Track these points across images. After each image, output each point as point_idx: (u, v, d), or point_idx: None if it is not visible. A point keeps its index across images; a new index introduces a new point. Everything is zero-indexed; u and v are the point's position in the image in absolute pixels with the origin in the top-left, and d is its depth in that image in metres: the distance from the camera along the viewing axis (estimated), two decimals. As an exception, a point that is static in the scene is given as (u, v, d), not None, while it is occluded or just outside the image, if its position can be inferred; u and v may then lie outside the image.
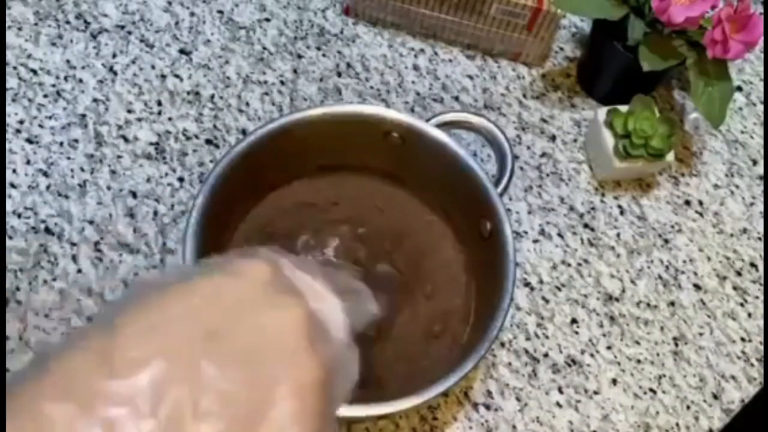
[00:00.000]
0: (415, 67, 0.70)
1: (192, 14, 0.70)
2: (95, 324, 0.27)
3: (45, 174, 0.60)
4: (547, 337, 0.60)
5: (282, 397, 0.26)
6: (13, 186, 0.59)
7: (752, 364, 0.61)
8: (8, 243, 0.57)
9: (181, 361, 0.25)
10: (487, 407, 0.57)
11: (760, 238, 0.67)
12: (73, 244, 0.58)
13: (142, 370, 0.24)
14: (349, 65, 0.69)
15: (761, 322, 0.63)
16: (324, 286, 0.32)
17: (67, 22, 0.67)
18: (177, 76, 0.66)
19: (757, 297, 0.64)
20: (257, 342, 0.27)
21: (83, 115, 0.63)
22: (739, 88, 0.75)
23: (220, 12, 0.70)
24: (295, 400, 0.27)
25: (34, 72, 0.64)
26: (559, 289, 0.62)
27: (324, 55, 0.70)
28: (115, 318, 0.26)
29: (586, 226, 0.65)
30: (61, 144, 0.62)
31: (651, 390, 0.59)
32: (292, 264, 0.32)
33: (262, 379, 0.26)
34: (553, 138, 0.69)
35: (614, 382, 0.59)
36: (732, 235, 0.67)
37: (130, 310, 0.26)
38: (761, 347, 0.62)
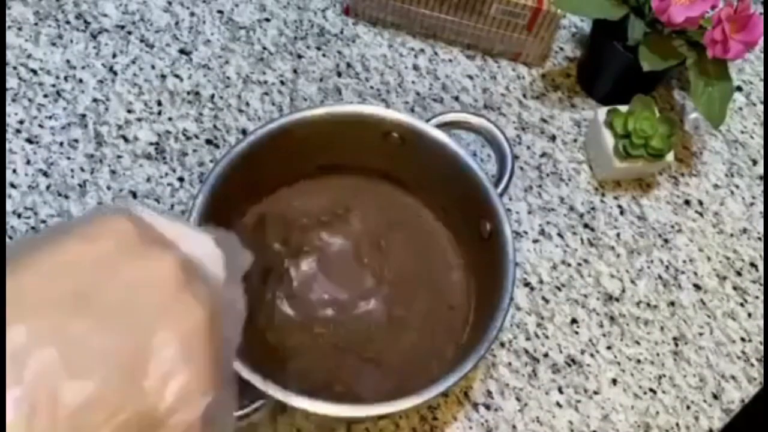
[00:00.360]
0: (415, 67, 0.70)
1: (192, 14, 0.70)
2: None
3: (45, 174, 0.60)
4: (547, 337, 0.60)
5: (163, 344, 0.26)
6: (13, 186, 0.59)
7: (752, 364, 0.61)
8: (8, 243, 0.57)
9: (46, 323, 0.25)
10: (487, 407, 0.57)
11: (760, 238, 0.67)
12: (73, 244, 0.58)
13: None
14: (349, 65, 0.69)
15: (761, 322, 0.63)
16: (191, 227, 0.32)
17: (67, 22, 0.67)
18: (177, 76, 0.67)
19: (757, 297, 0.64)
20: (129, 296, 0.27)
21: (83, 115, 0.63)
22: (739, 88, 0.75)
23: (220, 12, 0.70)
24: (178, 344, 0.26)
25: (34, 72, 0.64)
26: (559, 289, 0.62)
27: (324, 55, 0.70)
28: None
29: (586, 226, 0.65)
30: (61, 144, 0.62)
31: (651, 390, 0.59)
32: (154, 212, 0.31)
33: (138, 330, 0.26)
34: (553, 138, 0.69)
35: (614, 382, 0.59)
36: (732, 235, 0.67)
37: None
38: (761, 347, 0.62)
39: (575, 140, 0.69)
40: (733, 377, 0.60)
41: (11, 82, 0.63)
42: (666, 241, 0.65)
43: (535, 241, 0.64)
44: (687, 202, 0.68)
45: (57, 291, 0.26)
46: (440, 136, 0.54)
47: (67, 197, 0.60)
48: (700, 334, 0.62)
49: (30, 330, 0.24)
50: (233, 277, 0.32)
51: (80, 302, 0.26)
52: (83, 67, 0.65)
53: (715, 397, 0.59)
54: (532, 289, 0.62)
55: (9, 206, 0.59)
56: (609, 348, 0.60)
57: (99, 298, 0.26)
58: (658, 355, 0.60)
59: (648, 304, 0.62)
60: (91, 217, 0.29)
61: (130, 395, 0.25)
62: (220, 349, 0.29)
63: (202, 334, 0.27)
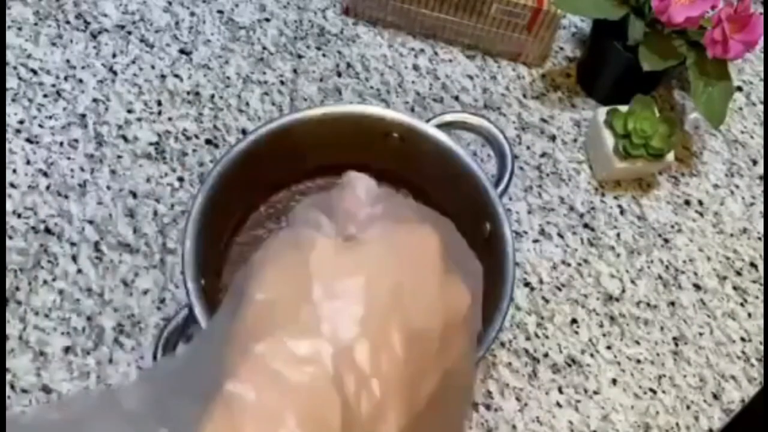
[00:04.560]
0: (415, 67, 0.70)
1: (192, 14, 0.70)
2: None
3: (45, 174, 0.60)
4: (547, 337, 0.60)
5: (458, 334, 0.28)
6: (13, 186, 0.59)
7: (752, 364, 0.61)
8: (8, 243, 0.57)
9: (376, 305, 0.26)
10: (487, 407, 0.57)
11: (760, 238, 0.67)
12: (73, 244, 0.58)
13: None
14: (349, 65, 0.69)
15: (761, 322, 0.63)
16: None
17: (67, 22, 0.67)
18: (177, 76, 0.66)
19: (757, 297, 0.64)
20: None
21: (83, 115, 0.63)
22: (739, 88, 0.75)
23: (220, 12, 0.70)
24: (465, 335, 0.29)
25: (34, 72, 0.64)
26: (559, 289, 0.62)
27: (324, 55, 0.70)
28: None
29: (586, 226, 0.65)
30: (61, 144, 0.62)
31: (651, 390, 0.59)
32: (447, 224, 0.32)
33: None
34: (553, 138, 0.69)
35: (614, 382, 0.59)
36: (732, 235, 0.67)
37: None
38: (761, 347, 0.62)
39: (575, 140, 0.69)
40: (733, 377, 0.60)
41: (11, 82, 0.63)
42: (666, 241, 0.65)
43: (535, 241, 0.64)
44: (687, 202, 0.68)
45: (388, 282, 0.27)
46: (440, 136, 0.54)
47: (67, 197, 0.60)
48: (700, 334, 0.62)
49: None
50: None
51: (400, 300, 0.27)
52: (83, 67, 0.65)
53: (715, 397, 0.59)
54: (532, 289, 0.62)
55: (9, 206, 0.59)
56: (609, 348, 0.60)
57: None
58: (658, 355, 0.60)
59: (648, 304, 0.62)
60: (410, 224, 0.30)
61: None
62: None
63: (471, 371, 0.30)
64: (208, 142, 0.64)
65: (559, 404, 0.57)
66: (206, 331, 0.28)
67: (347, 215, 0.30)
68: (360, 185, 0.32)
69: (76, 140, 0.62)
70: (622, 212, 0.66)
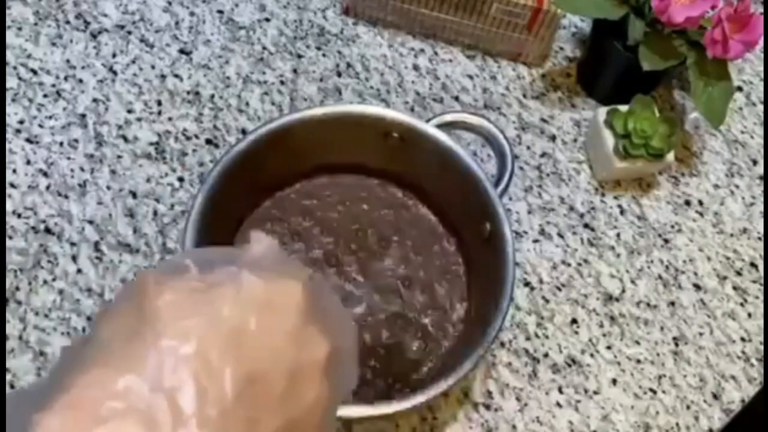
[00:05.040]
0: (415, 67, 0.70)
1: (192, 14, 0.70)
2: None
3: (45, 174, 0.60)
4: (547, 337, 0.60)
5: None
6: (13, 186, 0.59)
7: (752, 364, 0.61)
8: (8, 243, 0.57)
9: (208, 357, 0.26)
10: (487, 407, 0.57)
11: (760, 238, 0.67)
12: (73, 244, 0.58)
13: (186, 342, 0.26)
14: (349, 65, 0.69)
15: (761, 322, 0.63)
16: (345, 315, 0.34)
17: (67, 22, 0.67)
18: (177, 76, 0.66)
19: (757, 297, 0.64)
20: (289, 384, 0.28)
21: (83, 115, 0.63)
22: (739, 88, 0.75)
23: (220, 12, 0.70)
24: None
25: (34, 72, 0.64)
26: (559, 289, 0.62)
27: (324, 55, 0.70)
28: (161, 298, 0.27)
29: (586, 226, 0.65)
30: (61, 144, 0.62)
31: (651, 390, 0.59)
32: (322, 285, 0.32)
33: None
34: (553, 138, 0.69)
35: (614, 382, 0.59)
36: (732, 235, 0.67)
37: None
38: (761, 347, 0.62)
39: (575, 140, 0.69)
40: (733, 377, 0.60)
41: (11, 82, 0.63)
42: (666, 241, 0.65)
43: (535, 241, 0.64)
44: (687, 202, 0.68)
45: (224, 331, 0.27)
46: (440, 136, 0.54)
47: (67, 197, 0.60)
48: (700, 334, 0.62)
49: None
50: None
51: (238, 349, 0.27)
52: (83, 67, 0.65)
53: (715, 397, 0.59)
54: (532, 289, 0.62)
55: (9, 206, 0.59)
56: (609, 348, 0.60)
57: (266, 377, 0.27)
58: (658, 355, 0.60)
59: (648, 304, 0.62)
60: (274, 270, 0.30)
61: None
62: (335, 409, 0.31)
63: (329, 417, 0.30)
64: (208, 142, 0.64)
65: (559, 404, 0.57)
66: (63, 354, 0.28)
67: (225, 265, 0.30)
68: (261, 243, 0.32)
69: (76, 140, 0.62)
70: (622, 212, 0.66)
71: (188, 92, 0.66)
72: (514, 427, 0.56)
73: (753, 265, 0.66)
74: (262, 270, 0.29)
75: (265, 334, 0.27)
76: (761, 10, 0.76)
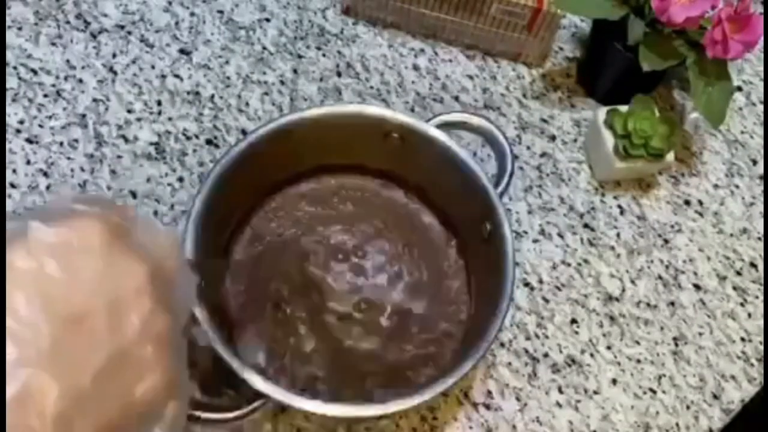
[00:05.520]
0: (415, 67, 0.70)
1: (192, 14, 0.70)
2: None
3: (45, 174, 0.60)
4: (547, 337, 0.60)
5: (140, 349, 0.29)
6: (13, 186, 0.59)
7: (752, 364, 0.61)
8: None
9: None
10: (487, 407, 0.57)
11: (760, 238, 0.67)
12: (73, 244, 0.58)
13: None
14: (349, 65, 0.69)
15: (761, 322, 0.63)
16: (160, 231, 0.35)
17: (67, 22, 0.67)
18: (177, 76, 0.67)
19: (757, 297, 0.64)
20: (106, 305, 0.29)
21: (83, 115, 0.63)
22: (739, 88, 0.75)
23: (220, 12, 0.70)
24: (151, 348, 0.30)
25: (34, 72, 0.64)
26: (559, 289, 0.62)
27: (324, 55, 0.70)
28: None
29: (586, 226, 0.65)
30: (61, 144, 0.62)
31: (651, 390, 0.59)
32: (129, 212, 0.33)
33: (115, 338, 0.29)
34: (553, 138, 0.69)
35: (614, 382, 0.59)
36: (732, 235, 0.67)
37: None
38: (761, 347, 0.62)
39: (575, 140, 0.69)
40: (733, 377, 0.60)
41: (11, 82, 0.63)
42: (666, 241, 0.65)
43: (535, 241, 0.64)
44: (687, 202, 0.68)
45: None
46: (440, 136, 0.54)
47: (67, 197, 0.60)
48: (700, 334, 0.62)
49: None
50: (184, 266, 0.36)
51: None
52: (83, 67, 0.65)
53: (715, 397, 0.59)
54: (532, 289, 0.62)
55: (9, 206, 0.59)
56: (609, 348, 0.60)
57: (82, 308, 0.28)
58: (658, 355, 0.60)
59: (648, 304, 0.62)
60: (69, 213, 0.31)
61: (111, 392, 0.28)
62: (182, 346, 0.32)
63: (169, 337, 0.31)
64: (208, 142, 0.64)
65: (559, 404, 0.57)
66: None
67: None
68: (56, 194, 0.33)
69: (76, 140, 0.62)
70: (622, 212, 0.66)
71: (188, 92, 0.66)
72: (514, 427, 0.56)
73: (753, 265, 0.66)
74: (53, 217, 0.30)
75: (72, 275, 0.28)
76: (761, 10, 0.76)
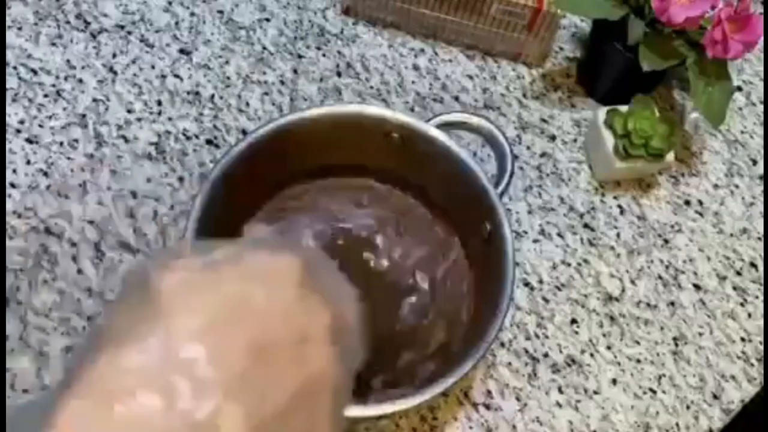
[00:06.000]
0: (415, 67, 0.70)
1: (192, 14, 0.70)
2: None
3: (45, 174, 0.60)
4: (547, 337, 0.60)
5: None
6: (13, 186, 0.59)
7: (752, 364, 0.61)
8: (8, 243, 0.57)
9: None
10: (487, 407, 0.57)
11: (760, 238, 0.67)
12: (73, 244, 0.58)
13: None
14: (349, 65, 0.69)
15: (761, 322, 0.63)
16: (340, 278, 0.34)
17: (67, 22, 0.67)
18: (177, 76, 0.67)
19: (757, 297, 0.64)
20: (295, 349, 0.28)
21: (83, 115, 0.63)
22: (739, 88, 0.75)
23: (220, 12, 0.70)
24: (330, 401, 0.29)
25: (34, 72, 0.64)
26: (559, 289, 0.62)
27: (324, 55, 0.70)
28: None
29: (586, 226, 0.65)
30: (61, 144, 0.62)
31: (651, 390, 0.59)
32: (321, 258, 0.33)
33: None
34: (553, 138, 0.69)
35: (614, 382, 0.59)
36: (732, 235, 0.67)
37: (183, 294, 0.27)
38: (761, 347, 0.62)
39: (575, 140, 0.69)
40: (733, 377, 0.60)
41: (11, 82, 0.63)
42: (666, 241, 0.65)
43: (535, 241, 0.64)
44: (687, 202, 0.68)
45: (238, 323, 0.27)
46: (440, 136, 0.54)
47: (67, 197, 0.60)
48: (700, 334, 0.62)
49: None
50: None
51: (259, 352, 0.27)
52: (83, 67, 0.65)
53: (715, 397, 0.59)
54: (532, 289, 0.62)
55: (9, 206, 0.59)
56: (609, 348, 0.60)
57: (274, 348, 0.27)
58: (658, 355, 0.60)
59: (648, 304, 0.62)
60: (267, 250, 0.30)
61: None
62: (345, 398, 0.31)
63: (340, 388, 0.30)
64: (208, 142, 0.64)
65: (559, 404, 0.57)
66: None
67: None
68: (260, 230, 0.33)
69: (76, 140, 0.62)
70: (622, 212, 0.66)
71: (188, 92, 0.66)
72: (514, 427, 0.56)
73: (753, 265, 0.66)
74: (260, 248, 0.30)
75: (270, 304, 0.28)
76: (761, 10, 0.76)
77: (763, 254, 0.66)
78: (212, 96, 0.66)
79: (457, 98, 0.69)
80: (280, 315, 0.28)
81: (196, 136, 0.64)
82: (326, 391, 0.29)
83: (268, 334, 0.27)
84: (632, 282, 0.63)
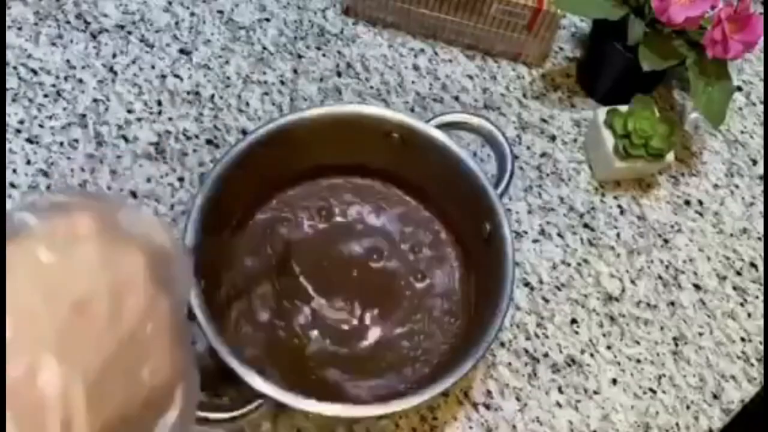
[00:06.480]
0: (415, 67, 0.70)
1: (192, 14, 0.70)
2: None
3: (45, 174, 0.60)
4: (547, 337, 0.60)
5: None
6: (13, 186, 0.59)
7: (752, 364, 0.61)
8: (8, 243, 0.57)
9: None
10: (487, 407, 0.57)
11: (760, 238, 0.67)
12: (73, 244, 0.58)
13: None
14: (349, 65, 0.69)
15: (761, 322, 0.63)
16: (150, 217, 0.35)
17: (67, 22, 0.67)
18: (177, 76, 0.67)
19: (757, 297, 0.64)
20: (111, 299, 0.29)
21: (83, 115, 0.63)
22: (739, 88, 0.75)
23: (220, 12, 0.70)
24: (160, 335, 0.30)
25: (34, 72, 0.64)
26: (559, 289, 0.62)
27: (324, 55, 0.70)
28: None
29: (586, 226, 0.65)
30: (61, 144, 0.62)
31: (651, 390, 0.59)
32: (120, 205, 0.34)
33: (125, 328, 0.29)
34: (553, 138, 0.69)
35: (614, 382, 0.59)
36: (732, 235, 0.67)
37: None
38: (761, 347, 0.62)
39: (575, 140, 0.69)
40: (733, 377, 0.60)
41: (11, 82, 0.64)
42: (666, 241, 0.65)
43: (535, 241, 0.64)
44: (687, 202, 0.68)
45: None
46: (440, 136, 0.54)
47: (67, 197, 0.60)
48: (700, 334, 0.62)
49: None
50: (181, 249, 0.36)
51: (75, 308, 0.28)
52: (83, 67, 0.65)
53: (715, 397, 0.59)
54: (532, 289, 0.62)
55: (9, 206, 0.59)
56: (609, 348, 0.60)
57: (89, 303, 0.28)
58: (658, 355, 0.60)
59: (648, 304, 0.62)
60: (53, 216, 0.31)
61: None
62: (184, 329, 0.33)
63: (171, 320, 0.31)
64: (208, 142, 0.64)
65: (559, 404, 0.57)
66: None
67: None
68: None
69: (76, 140, 0.62)
70: (622, 212, 0.66)
71: (188, 92, 0.66)
72: (514, 427, 0.56)
73: (753, 265, 0.66)
74: (41, 212, 0.30)
75: (69, 265, 0.29)
76: (761, 10, 0.76)
77: (763, 254, 0.66)
78: (212, 96, 0.66)
79: (457, 98, 0.69)
80: (82, 271, 0.29)
81: (196, 136, 0.64)
82: (153, 326, 0.30)
83: (74, 294, 0.28)
84: (632, 282, 0.63)
